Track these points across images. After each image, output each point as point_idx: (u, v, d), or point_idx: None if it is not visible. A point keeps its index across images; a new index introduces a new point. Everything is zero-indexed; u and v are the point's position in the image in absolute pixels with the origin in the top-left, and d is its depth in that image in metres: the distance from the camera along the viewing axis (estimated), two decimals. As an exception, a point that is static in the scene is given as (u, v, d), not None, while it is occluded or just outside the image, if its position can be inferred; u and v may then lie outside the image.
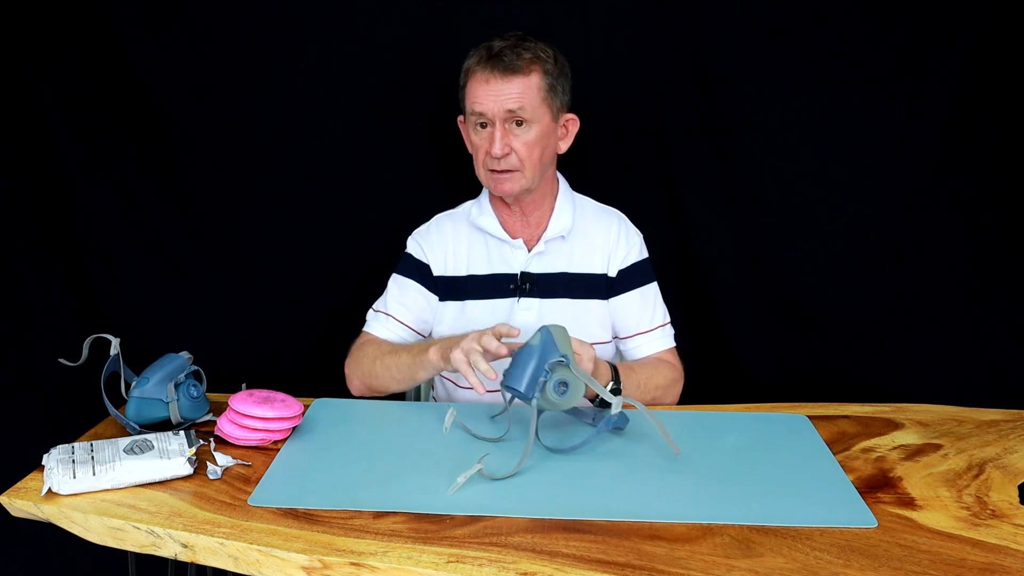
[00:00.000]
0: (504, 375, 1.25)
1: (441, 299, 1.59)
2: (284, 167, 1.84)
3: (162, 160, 1.83)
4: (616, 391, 1.39)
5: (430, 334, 1.63)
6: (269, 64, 1.79)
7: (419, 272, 1.58)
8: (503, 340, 1.31)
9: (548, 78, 1.46)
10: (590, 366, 1.33)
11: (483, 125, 1.47)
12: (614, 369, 1.43)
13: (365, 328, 1.60)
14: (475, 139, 1.50)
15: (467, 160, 1.61)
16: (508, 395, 1.28)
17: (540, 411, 1.26)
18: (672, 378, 1.54)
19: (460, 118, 1.56)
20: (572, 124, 1.55)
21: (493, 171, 1.48)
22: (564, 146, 1.55)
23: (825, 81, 1.73)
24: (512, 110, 1.43)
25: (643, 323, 1.58)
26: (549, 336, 1.23)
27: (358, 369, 1.54)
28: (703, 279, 1.86)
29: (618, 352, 1.68)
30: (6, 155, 1.80)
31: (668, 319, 1.61)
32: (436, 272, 1.58)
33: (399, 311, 1.58)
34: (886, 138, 1.75)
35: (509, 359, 1.27)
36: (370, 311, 1.61)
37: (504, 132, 1.45)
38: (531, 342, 1.24)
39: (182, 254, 1.88)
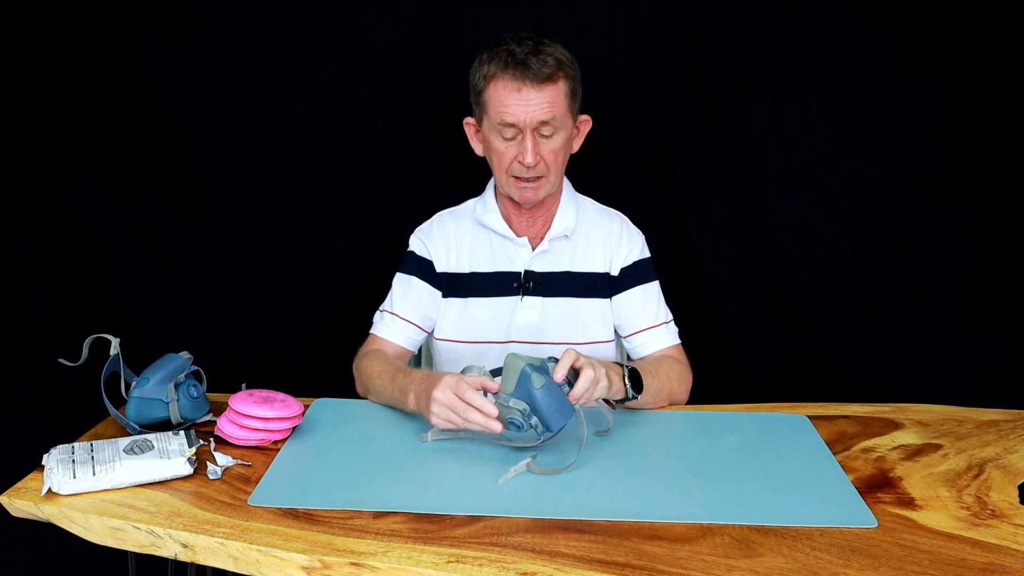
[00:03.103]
0: (542, 424, 1.22)
1: (444, 295, 1.59)
2: (284, 167, 1.84)
3: (162, 160, 1.83)
4: (637, 386, 1.38)
5: (432, 331, 1.62)
6: (270, 64, 1.78)
7: (422, 269, 1.58)
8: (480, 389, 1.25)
9: (571, 83, 1.44)
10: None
11: (511, 135, 1.44)
12: (631, 370, 1.40)
13: (372, 330, 1.59)
14: (499, 146, 1.46)
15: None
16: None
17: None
18: (681, 372, 1.54)
19: (468, 120, 1.55)
20: (585, 125, 1.54)
21: (519, 179, 1.47)
22: (576, 146, 1.55)
23: (825, 81, 1.73)
24: (545, 121, 1.41)
25: (647, 319, 1.58)
26: (531, 370, 1.21)
27: (359, 381, 1.54)
28: (704, 279, 1.86)
29: (623, 351, 1.68)
30: (6, 155, 1.80)
31: (671, 318, 1.61)
32: (439, 268, 1.58)
33: (404, 309, 1.57)
34: (886, 138, 1.75)
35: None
36: (377, 313, 1.61)
37: (535, 141, 1.43)
38: (534, 386, 1.20)
39: (182, 254, 1.88)
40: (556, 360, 1.25)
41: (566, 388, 1.24)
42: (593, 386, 1.26)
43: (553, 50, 1.42)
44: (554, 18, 1.73)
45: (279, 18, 1.76)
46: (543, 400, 1.21)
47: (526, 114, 1.40)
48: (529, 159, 1.42)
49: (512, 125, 1.42)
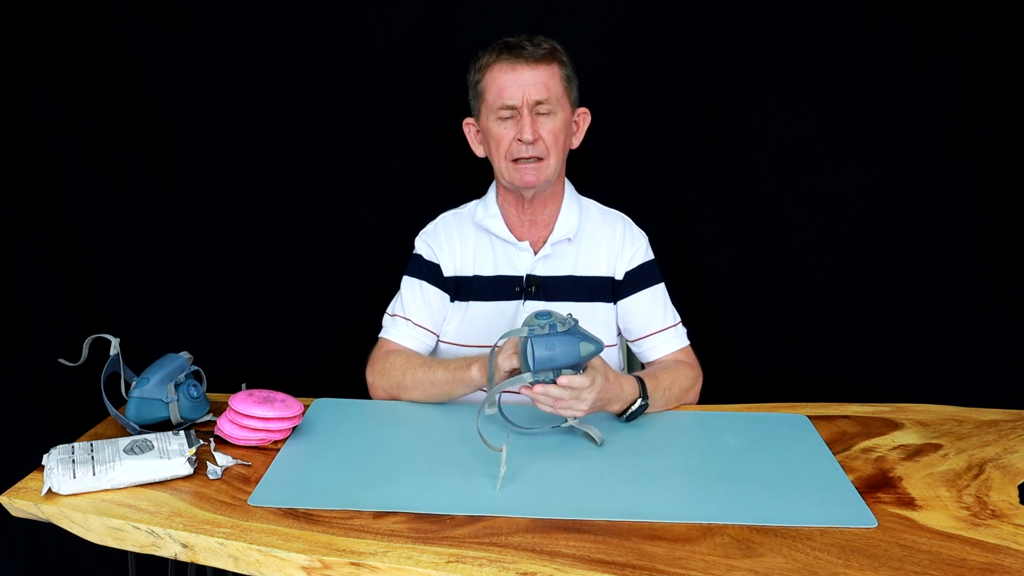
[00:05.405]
0: (540, 351, 1.22)
1: (452, 299, 1.58)
2: (285, 167, 1.84)
3: (162, 160, 1.83)
4: (644, 405, 1.40)
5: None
6: (270, 65, 1.79)
7: (431, 273, 1.57)
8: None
9: (565, 69, 1.49)
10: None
11: (508, 116, 1.47)
12: (640, 381, 1.41)
13: (383, 334, 1.57)
14: (498, 131, 1.48)
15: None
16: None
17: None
18: (693, 378, 1.53)
19: (467, 120, 1.55)
20: (584, 118, 1.55)
21: (519, 160, 1.47)
22: (576, 141, 1.55)
23: (825, 81, 1.73)
24: (540, 100, 1.45)
25: (655, 323, 1.57)
26: (587, 347, 1.24)
27: (384, 379, 1.51)
28: (704, 279, 1.85)
29: (628, 354, 1.68)
30: (6, 155, 1.80)
31: (679, 319, 1.60)
32: (446, 273, 1.57)
33: (416, 314, 1.56)
34: (886, 138, 1.75)
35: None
36: (386, 316, 1.59)
37: (532, 119, 1.45)
38: (580, 352, 1.23)
39: (182, 254, 1.88)
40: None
41: (569, 372, 1.24)
42: (574, 392, 1.25)
43: (546, 40, 1.48)
44: (554, 18, 1.73)
45: (280, 19, 1.76)
46: (560, 341, 1.22)
47: (522, 92, 1.44)
48: (528, 133, 1.44)
49: (511, 107, 1.45)
